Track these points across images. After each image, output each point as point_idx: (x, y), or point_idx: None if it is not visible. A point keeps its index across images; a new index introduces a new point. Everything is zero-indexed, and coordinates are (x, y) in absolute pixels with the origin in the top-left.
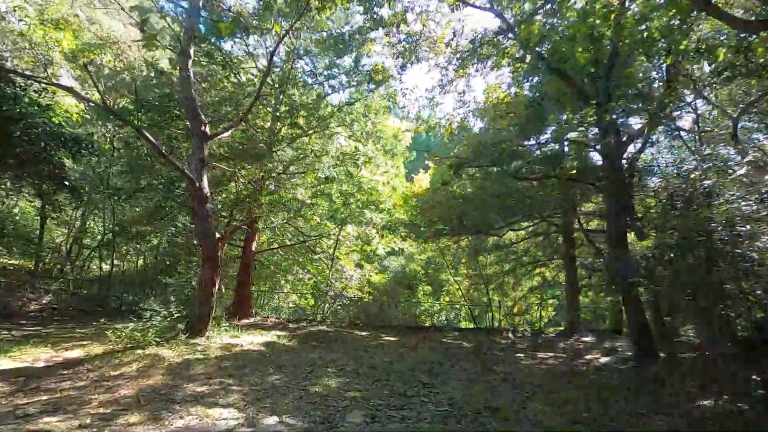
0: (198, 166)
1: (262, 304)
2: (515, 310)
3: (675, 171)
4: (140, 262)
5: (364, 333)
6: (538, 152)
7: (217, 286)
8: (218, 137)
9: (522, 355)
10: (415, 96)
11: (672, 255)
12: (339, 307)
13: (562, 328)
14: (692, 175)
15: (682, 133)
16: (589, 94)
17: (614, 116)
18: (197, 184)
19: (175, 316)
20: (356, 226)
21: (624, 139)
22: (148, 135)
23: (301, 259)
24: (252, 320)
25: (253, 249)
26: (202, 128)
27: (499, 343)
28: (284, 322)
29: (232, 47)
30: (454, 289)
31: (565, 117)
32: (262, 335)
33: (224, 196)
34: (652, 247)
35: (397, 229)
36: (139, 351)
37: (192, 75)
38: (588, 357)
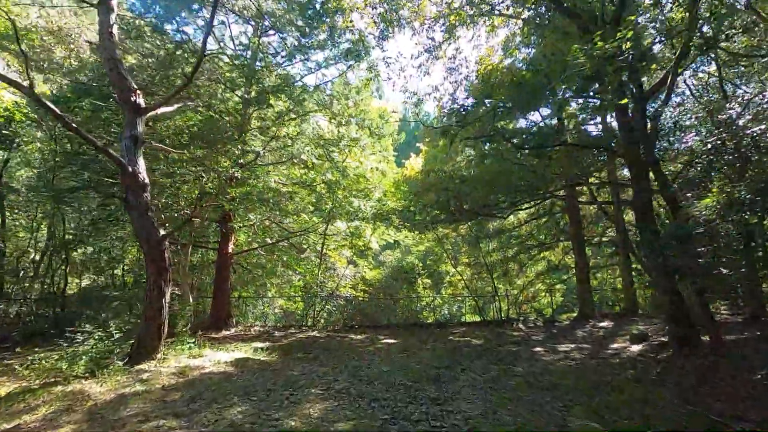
0: (129, 145)
1: (245, 312)
2: (521, 298)
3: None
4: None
5: (359, 336)
6: (536, 127)
7: (167, 296)
8: (157, 113)
9: (540, 349)
10: (400, 65)
11: (743, 213)
12: (332, 309)
13: (574, 314)
14: (740, 122)
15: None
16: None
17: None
18: (129, 168)
19: (116, 336)
20: (344, 218)
21: (642, 93)
22: (68, 119)
23: (286, 259)
24: (232, 331)
25: (230, 251)
26: (133, 98)
27: (512, 336)
28: (269, 330)
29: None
30: (456, 281)
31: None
32: (235, 350)
33: (186, 188)
34: (713, 207)
35: (390, 219)
36: (59, 388)
37: (116, 33)
38: (615, 346)
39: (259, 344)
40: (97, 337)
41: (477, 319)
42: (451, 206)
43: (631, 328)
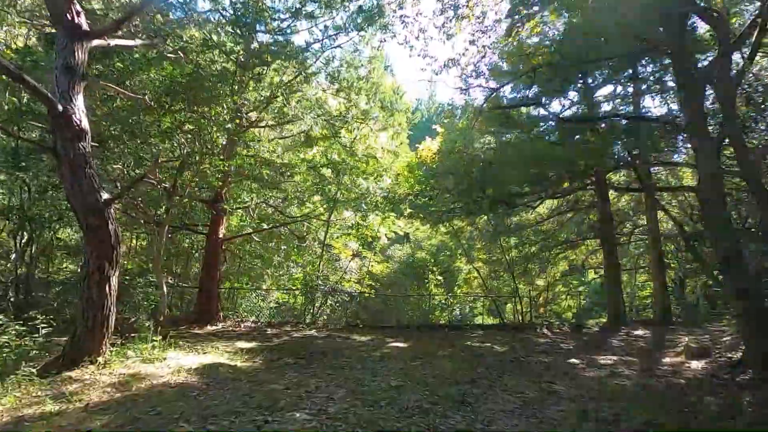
0: (62, 78)
1: (237, 305)
2: (541, 300)
3: None
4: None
5: (364, 338)
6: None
7: (114, 282)
8: (109, 43)
9: (577, 361)
10: (420, 25)
11: None
12: (334, 306)
13: (602, 320)
14: None
15: None
16: None
17: None
18: (59, 107)
19: (44, 332)
20: (350, 205)
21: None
22: None
23: (284, 248)
24: (219, 326)
25: (221, 235)
26: (70, 16)
27: (538, 344)
28: (262, 327)
29: None
30: (471, 278)
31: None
32: (211, 351)
33: (167, 144)
34: None
35: (401, 204)
36: None
37: None
38: (668, 361)
39: (245, 344)
40: (14, 332)
41: (492, 321)
42: (474, 193)
43: (678, 339)
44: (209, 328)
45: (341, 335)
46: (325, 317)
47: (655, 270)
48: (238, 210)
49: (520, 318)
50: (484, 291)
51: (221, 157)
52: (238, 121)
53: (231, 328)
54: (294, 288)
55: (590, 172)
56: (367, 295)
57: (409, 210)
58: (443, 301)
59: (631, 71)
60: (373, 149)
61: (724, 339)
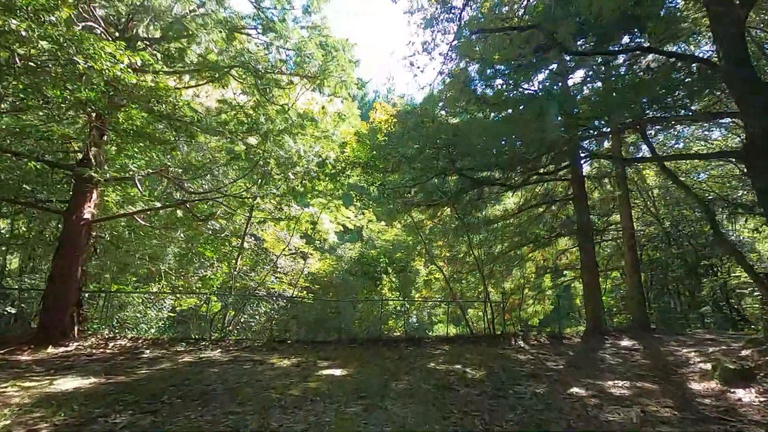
0: None
1: (112, 315)
2: (506, 305)
3: None
4: None
5: (287, 362)
6: None
7: None
8: None
9: (581, 391)
10: None
11: None
12: (255, 315)
13: (581, 328)
14: None
15: None
16: None
17: None
18: None
19: None
20: (277, 179)
21: None
22: None
23: (183, 236)
24: (71, 348)
25: (86, 216)
26: None
27: (518, 362)
28: (141, 347)
29: None
30: (433, 280)
31: None
32: None
33: None
34: None
35: (345, 177)
36: None
37: None
38: (701, 388)
39: (77, 381)
40: None
41: (455, 330)
42: (440, 163)
43: (673, 350)
44: (52, 350)
45: (256, 358)
46: (238, 332)
47: (630, 271)
48: (117, 184)
49: (491, 327)
50: (447, 295)
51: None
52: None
53: (90, 350)
54: (199, 292)
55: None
56: (302, 299)
57: (358, 197)
58: (399, 308)
59: None
60: (310, 110)
61: (745, 353)
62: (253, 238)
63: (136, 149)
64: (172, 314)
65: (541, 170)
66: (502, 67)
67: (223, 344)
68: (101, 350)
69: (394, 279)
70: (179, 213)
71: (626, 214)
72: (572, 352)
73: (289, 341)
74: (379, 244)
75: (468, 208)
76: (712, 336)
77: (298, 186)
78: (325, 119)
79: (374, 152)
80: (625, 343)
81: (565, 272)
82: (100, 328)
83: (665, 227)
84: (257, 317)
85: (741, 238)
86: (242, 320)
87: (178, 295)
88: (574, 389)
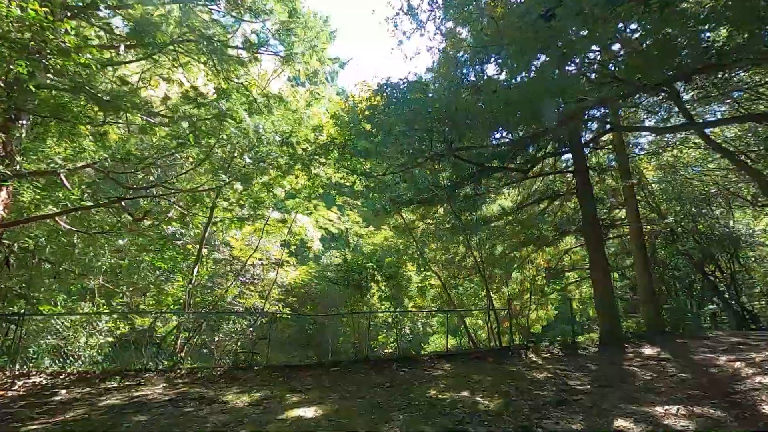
0: None
1: (24, 345)
2: (505, 312)
3: None
4: None
5: (248, 397)
6: None
7: None
8: None
9: (628, 424)
10: None
11: None
12: (222, 336)
13: (594, 335)
14: None
15: None
16: None
17: None
18: None
19: None
20: (237, 167)
21: None
22: None
23: (141, 243)
24: None
25: None
26: None
27: (537, 383)
28: (63, 384)
29: None
30: (427, 286)
31: None
32: None
33: None
34: None
35: (316, 164)
36: None
37: None
38: None
39: None
40: None
41: (452, 341)
42: (434, 142)
43: (708, 359)
44: None
45: (207, 394)
46: (195, 358)
47: (641, 271)
48: (40, 177)
49: (496, 339)
50: (443, 303)
51: None
52: None
53: None
54: (149, 312)
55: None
56: (273, 316)
57: (339, 194)
58: (390, 320)
59: None
60: (279, 93)
61: None
62: (219, 245)
63: (57, 136)
64: (112, 340)
65: (543, 153)
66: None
67: (172, 376)
68: (4, 391)
69: (383, 287)
70: (126, 217)
71: (633, 208)
72: (593, 366)
73: (256, 367)
74: (366, 250)
75: (464, 205)
76: (738, 338)
77: (256, 175)
78: (296, 99)
79: (353, 131)
80: (649, 351)
81: (566, 274)
82: (5, 363)
83: (669, 223)
84: (220, 339)
85: (753, 230)
86: (200, 343)
87: (115, 316)
88: (620, 422)
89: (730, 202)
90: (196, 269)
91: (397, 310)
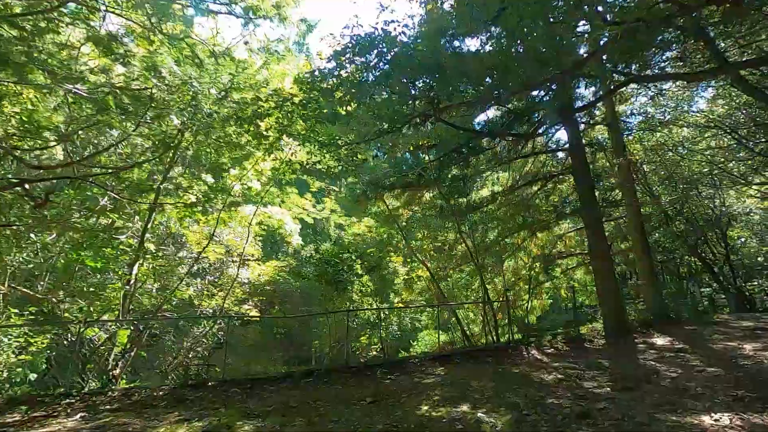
0: None
1: None
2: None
3: None
4: None
5: (185, 429)
6: None
7: None
8: None
9: None
10: None
11: None
12: (171, 346)
13: (599, 325)
14: None
15: None
16: None
17: None
18: None
19: None
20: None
21: None
22: None
23: (75, 238)
24: None
25: None
26: None
27: (547, 386)
28: None
29: None
30: (414, 279)
31: None
32: None
33: None
34: None
35: (273, 131)
36: None
37: None
38: None
39: None
40: None
41: (444, 337)
42: (416, 103)
43: (729, 348)
44: None
45: (134, 425)
46: (134, 376)
47: (641, 254)
48: None
49: (494, 335)
50: (431, 297)
51: None
52: None
53: None
54: (71, 320)
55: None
56: (235, 318)
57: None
58: (373, 318)
59: None
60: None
61: None
62: (168, 239)
63: None
64: (28, 357)
65: (539, 118)
66: None
67: (99, 401)
68: None
69: (366, 282)
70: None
71: (630, 188)
72: (606, 362)
73: (211, 383)
74: (347, 240)
75: (452, 188)
76: (748, 322)
77: (204, 150)
78: (252, 58)
79: (316, 85)
80: (660, 341)
81: (560, 261)
82: None
83: (662, 205)
84: (169, 349)
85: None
86: (141, 357)
87: (25, 329)
88: None
89: (720, 182)
90: (136, 267)
91: (381, 306)
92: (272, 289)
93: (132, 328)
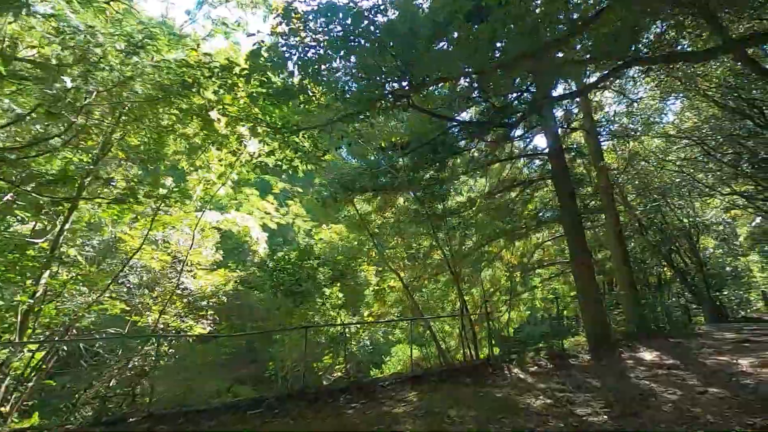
0: None
1: None
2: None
3: None
4: None
5: None
6: None
7: None
8: None
9: None
10: None
11: None
12: (89, 373)
13: (581, 338)
14: None
15: None
16: None
17: None
18: None
19: None
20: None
21: None
22: None
23: None
24: None
25: None
26: None
27: (534, 414)
28: None
29: None
30: (386, 289)
31: None
32: None
33: None
34: None
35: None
36: None
37: None
38: None
39: None
40: None
41: (418, 352)
42: (387, 81)
43: (722, 363)
44: None
45: None
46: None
47: (620, 263)
48: None
49: (473, 351)
50: (406, 309)
51: None
52: None
53: None
54: None
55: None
56: (171, 337)
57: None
58: (343, 333)
59: None
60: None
61: None
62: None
63: None
64: None
65: (523, 111)
66: None
67: None
68: None
69: (334, 293)
70: None
71: (608, 196)
72: (596, 381)
73: (132, 419)
74: (316, 248)
75: (427, 193)
76: (730, 333)
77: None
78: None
79: (261, 55)
80: (648, 356)
81: (538, 271)
82: None
83: (637, 215)
84: (83, 378)
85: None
86: (45, 388)
87: None
88: None
89: (690, 192)
90: (45, 277)
91: (345, 322)
92: (219, 301)
93: (32, 352)
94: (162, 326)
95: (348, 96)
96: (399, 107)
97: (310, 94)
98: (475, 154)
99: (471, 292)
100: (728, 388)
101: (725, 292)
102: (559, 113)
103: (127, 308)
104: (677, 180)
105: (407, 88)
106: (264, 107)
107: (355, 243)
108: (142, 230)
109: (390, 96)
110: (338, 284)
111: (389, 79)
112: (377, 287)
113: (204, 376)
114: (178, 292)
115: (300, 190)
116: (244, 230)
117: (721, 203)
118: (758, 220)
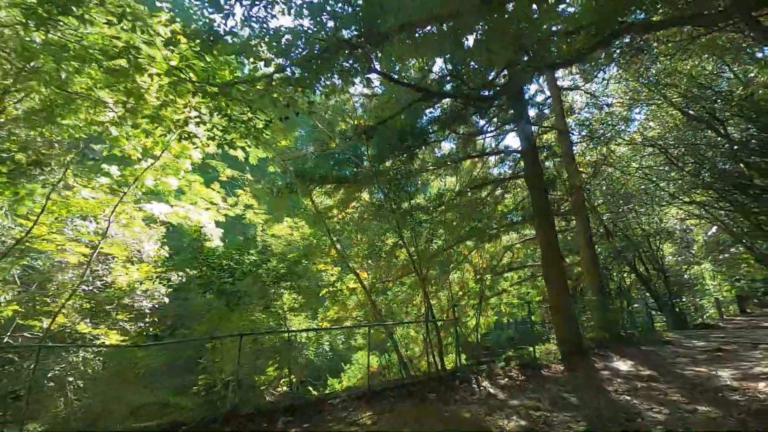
0: None
1: None
2: (443, 321)
3: None
4: None
5: None
6: None
7: None
8: None
9: None
10: None
11: None
12: None
13: (552, 346)
14: None
15: None
16: None
17: None
18: None
19: None
20: None
21: None
22: None
23: None
24: None
25: None
26: None
27: None
28: None
29: None
30: (345, 292)
31: None
32: None
33: None
34: None
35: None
36: None
37: None
38: None
39: None
40: None
41: (377, 362)
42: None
43: (698, 372)
44: None
45: None
46: None
47: (590, 268)
48: None
49: (438, 362)
50: (367, 314)
51: None
52: None
53: None
54: None
55: None
56: (71, 348)
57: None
58: (289, 340)
59: None
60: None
61: None
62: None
63: None
64: None
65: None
66: None
67: None
68: None
69: (288, 296)
70: None
71: (579, 199)
72: (572, 396)
73: None
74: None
75: (393, 186)
76: (700, 342)
77: None
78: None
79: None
80: (622, 365)
81: (507, 274)
82: None
83: (604, 221)
84: None
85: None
86: None
87: None
88: None
89: (653, 199)
90: None
91: (291, 329)
92: (131, 304)
93: None
94: (67, 330)
95: (293, 53)
96: (357, 69)
97: (253, 44)
98: (445, 148)
99: (438, 296)
100: (718, 406)
101: (684, 299)
102: (532, 112)
103: (20, 309)
104: (641, 187)
105: (363, 39)
106: (186, 56)
107: (313, 240)
108: (50, 218)
109: (345, 50)
110: (288, 284)
111: (341, 25)
112: (333, 288)
113: (134, 388)
114: (84, 288)
115: (251, 178)
116: (196, 224)
117: (677, 212)
118: (714, 229)
